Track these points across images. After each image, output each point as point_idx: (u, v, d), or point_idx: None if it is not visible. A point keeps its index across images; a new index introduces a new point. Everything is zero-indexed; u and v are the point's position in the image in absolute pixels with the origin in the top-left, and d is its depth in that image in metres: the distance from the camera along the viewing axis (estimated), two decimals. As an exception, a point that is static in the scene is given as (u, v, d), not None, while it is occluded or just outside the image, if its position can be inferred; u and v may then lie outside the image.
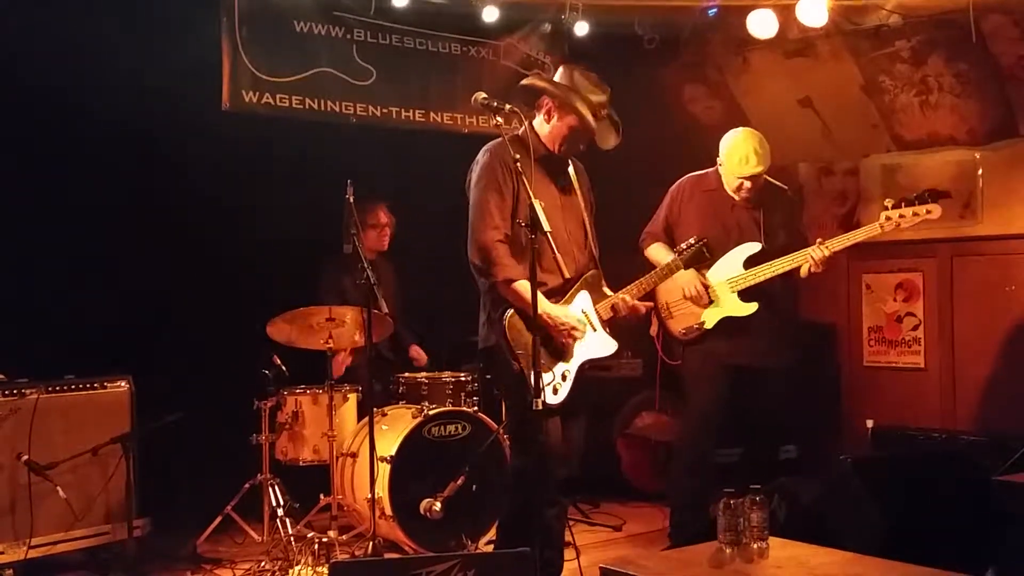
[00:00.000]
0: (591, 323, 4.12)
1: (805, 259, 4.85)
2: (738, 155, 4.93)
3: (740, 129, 5.08)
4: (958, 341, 6.49)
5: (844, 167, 7.05)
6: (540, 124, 4.14)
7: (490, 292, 4.06)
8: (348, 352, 5.78)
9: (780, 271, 4.91)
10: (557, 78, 4.15)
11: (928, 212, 4.76)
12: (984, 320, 6.36)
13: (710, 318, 4.99)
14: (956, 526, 3.85)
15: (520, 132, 4.10)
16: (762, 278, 4.92)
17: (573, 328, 3.97)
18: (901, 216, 4.79)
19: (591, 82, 4.11)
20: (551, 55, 6.55)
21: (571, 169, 4.27)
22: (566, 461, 4.12)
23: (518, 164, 3.89)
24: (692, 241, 4.46)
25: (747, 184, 4.96)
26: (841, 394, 7.06)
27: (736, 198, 5.04)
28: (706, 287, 4.96)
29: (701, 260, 4.52)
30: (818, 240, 4.88)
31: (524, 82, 4.22)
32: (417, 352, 6.24)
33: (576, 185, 4.26)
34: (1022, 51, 5.80)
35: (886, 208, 4.85)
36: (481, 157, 4.12)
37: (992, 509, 3.89)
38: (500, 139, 4.09)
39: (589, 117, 4.02)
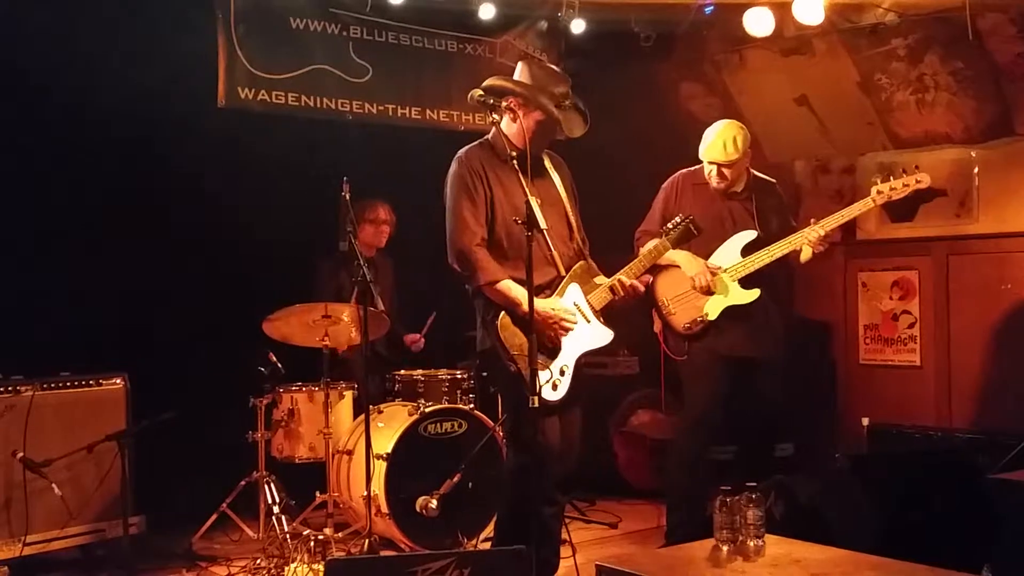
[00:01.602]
0: (584, 315, 4.11)
1: (803, 241, 4.87)
2: (713, 141, 4.97)
3: (725, 120, 5.12)
4: (954, 339, 6.50)
5: (840, 165, 7.05)
6: (507, 124, 4.13)
7: (479, 296, 4.07)
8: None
9: (778, 255, 4.92)
10: (517, 76, 4.15)
11: (918, 181, 4.80)
12: (980, 318, 6.37)
13: (713, 309, 4.98)
14: (952, 524, 3.85)
15: (490, 136, 4.11)
16: (761, 264, 4.94)
17: (562, 320, 3.97)
18: (892, 189, 4.82)
19: (550, 74, 4.13)
20: (547, 52, 6.55)
21: (548, 163, 4.27)
22: (564, 459, 4.12)
23: (513, 162, 3.90)
24: (678, 220, 4.41)
25: (717, 171, 4.99)
26: (837, 392, 7.06)
27: (712, 184, 5.05)
28: (711, 284, 4.96)
29: (689, 238, 4.47)
30: (812, 220, 4.90)
31: (485, 84, 4.22)
32: (412, 338, 6.21)
33: (556, 178, 4.26)
34: (1018, 49, 5.81)
35: (875, 183, 4.88)
36: (452, 166, 4.14)
37: (988, 507, 3.90)
38: (469, 146, 4.14)
39: (552, 109, 4.03)
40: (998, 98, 6.10)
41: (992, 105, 6.15)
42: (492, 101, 3.94)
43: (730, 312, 4.97)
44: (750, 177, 5.12)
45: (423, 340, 6.21)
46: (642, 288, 4.22)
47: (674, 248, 4.54)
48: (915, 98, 6.37)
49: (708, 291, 4.96)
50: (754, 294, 4.95)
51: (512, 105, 4.09)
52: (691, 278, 4.97)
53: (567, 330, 4.01)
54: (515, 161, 3.95)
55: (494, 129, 4.10)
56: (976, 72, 6.04)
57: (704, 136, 5.05)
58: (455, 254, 4.05)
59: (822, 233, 4.83)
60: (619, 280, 4.15)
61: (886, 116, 6.57)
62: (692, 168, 5.21)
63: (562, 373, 4.03)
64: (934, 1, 5.75)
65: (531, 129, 4.09)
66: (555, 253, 4.08)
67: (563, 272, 4.11)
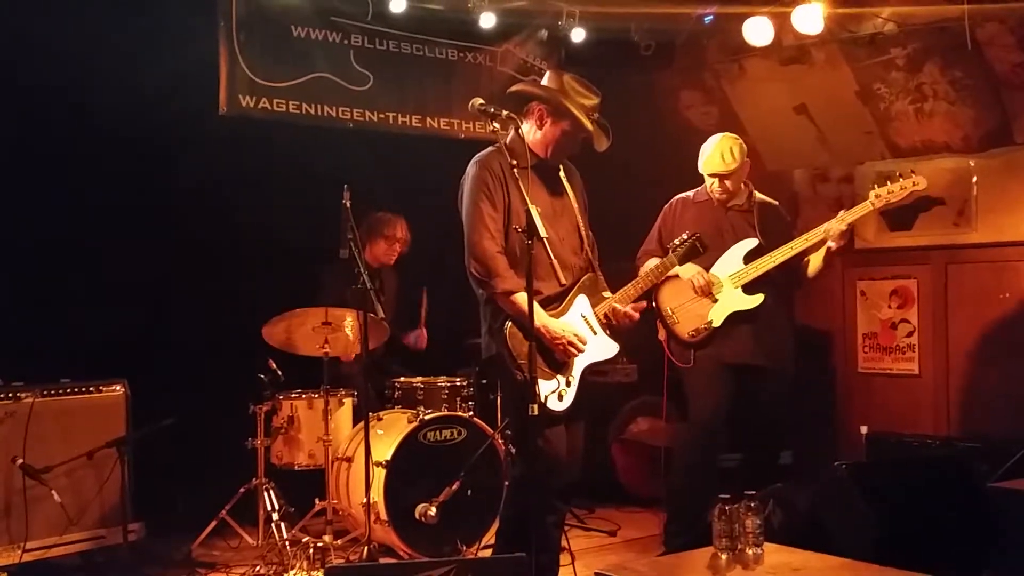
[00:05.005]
0: (591, 327, 4.09)
1: (805, 243, 4.90)
2: (711, 153, 5.05)
3: (719, 133, 5.18)
4: (952, 348, 6.51)
5: (839, 174, 7.07)
6: (530, 130, 4.08)
7: (489, 303, 4.02)
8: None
9: (780, 260, 4.95)
10: (546, 83, 4.11)
11: (915, 184, 4.84)
12: (978, 327, 6.38)
13: (717, 316, 5.01)
14: (950, 532, 3.86)
15: (508, 140, 4.03)
16: (764, 269, 4.96)
17: (570, 343, 3.95)
18: (890, 192, 4.86)
19: (582, 86, 4.08)
20: (548, 61, 6.58)
21: (562, 173, 4.23)
22: (569, 468, 4.11)
23: (515, 170, 3.89)
24: (684, 237, 4.38)
25: (719, 183, 5.05)
26: (836, 400, 7.07)
27: (715, 197, 5.09)
28: (709, 284, 4.99)
29: (695, 255, 4.44)
30: (842, 211, 4.93)
31: (514, 88, 4.19)
32: (413, 336, 6.19)
33: (568, 188, 4.22)
34: (1017, 59, 5.83)
35: (873, 187, 4.92)
36: (471, 169, 4.07)
37: (986, 515, 3.90)
38: (489, 150, 4.07)
39: (585, 121, 4.00)
40: (997, 107, 6.12)
41: (991, 114, 6.17)
42: (492, 110, 3.90)
43: (735, 319, 4.99)
44: (752, 195, 5.17)
45: (424, 331, 6.16)
46: (636, 316, 4.15)
47: (680, 265, 4.54)
48: (914, 107, 6.39)
49: (708, 291, 4.98)
50: (758, 299, 4.98)
51: (539, 113, 4.06)
52: (688, 280, 4.98)
53: (574, 354, 3.98)
54: (530, 169, 3.91)
55: (512, 134, 4.02)
56: (975, 81, 6.06)
57: (701, 151, 5.11)
58: (476, 258, 3.96)
59: (843, 227, 4.84)
60: (612, 308, 4.11)
61: (885, 125, 6.59)
62: (691, 191, 5.28)
63: (568, 384, 4.01)
64: (933, 11, 5.77)
65: (556, 138, 4.06)
66: (556, 263, 4.04)
67: (564, 282, 4.07)
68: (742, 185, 5.15)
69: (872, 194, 4.90)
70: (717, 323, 5.01)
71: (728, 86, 7.02)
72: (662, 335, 5.23)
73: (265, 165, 5.99)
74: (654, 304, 5.12)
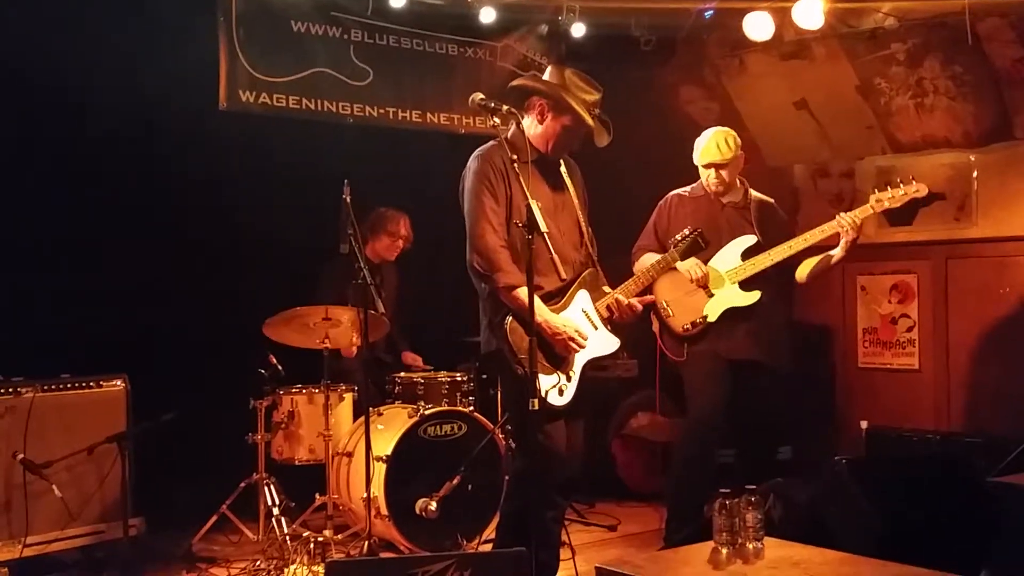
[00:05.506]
0: (592, 322, 4.08)
1: (804, 243, 4.89)
2: (707, 145, 5.06)
3: (713, 127, 5.18)
4: (952, 343, 6.51)
5: (839, 169, 7.06)
6: (531, 125, 4.08)
7: (490, 297, 4.01)
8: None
9: (778, 260, 4.95)
10: (547, 78, 4.10)
11: (916, 192, 4.85)
12: (978, 322, 6.38)
13: (713, 311, 5.01)
14: (950, 527, 3.86)
15: (509, 135, 4.03)
16: (762, 267, 4.96)
17: (571, 338, 3.94)
18: (891, 198, 4.86)
19: (583, 81, 4.07)
20: (548, 56, 6.57)
21: (563, 168, 4.22)
22: (568, 463, 4.11)
23: (515, 165, 3.89)
24: (686, 232, 4.39)
25: (715, 174, 5.05)
26: (835, 395, 7.07)
27: (711, 189, 5.09)
28: (706, 275, 4.99)
29: (697, 250, 4.46)
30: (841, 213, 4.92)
31: (515, 83, 4.18)
32: (411, 358, 6.22)
33: (569, 183, 4.21)
34: (1018, 54, 5.83)
35: (874, 192, 4.92)
36: (472, 163, 4.06)
37: (986, 510, 3.91)
38: (491, 144, 4.05)
39: (586, 116, 3.99)
40: (997, 102, 6.12)
41: (991, 109, 6.17)
42: (493, 105, 3.88)
43: (730, 315, 4.99)
44: (748, 192, 5.17)
45: (421, 361, 6.19)
46: (639, 307, 4.15)
47: (683, 260, 4.54)
48: (914, 102, 6.39)
49: (704, 283, 4.98)
50: (754, 296, 4.98)
51: (540, 107, 4.05)
52: (685, 273, 4.99)
53: (575, 350, 3.98)
54: (531, 164, 3.90)
55: (513, 129, 4.01)
56: (975, 77, 6.06)
57: (696, 145, 5.12)
58: (478, 252, 3.94)
59: (858, 221, 4.83)
60: (615, 299, 4.10)
61: (885, 120, 6.59)
62: (686, 187, 5.26)
63: (568, 379, 4.00)
64: (933, 5, 5.77)
65: (557, 133, 4.04)
66: (556, 258, 4.02)
67: (564, 277, 4.07)
68: (738, 181, 5.16)
69: (872, 199, 4.91)
70: (712, 318, 5.01)
71: (728, 81, 7.01)
72: (656, 327, 5.23)
73: (264, 162, 5.99)
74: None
